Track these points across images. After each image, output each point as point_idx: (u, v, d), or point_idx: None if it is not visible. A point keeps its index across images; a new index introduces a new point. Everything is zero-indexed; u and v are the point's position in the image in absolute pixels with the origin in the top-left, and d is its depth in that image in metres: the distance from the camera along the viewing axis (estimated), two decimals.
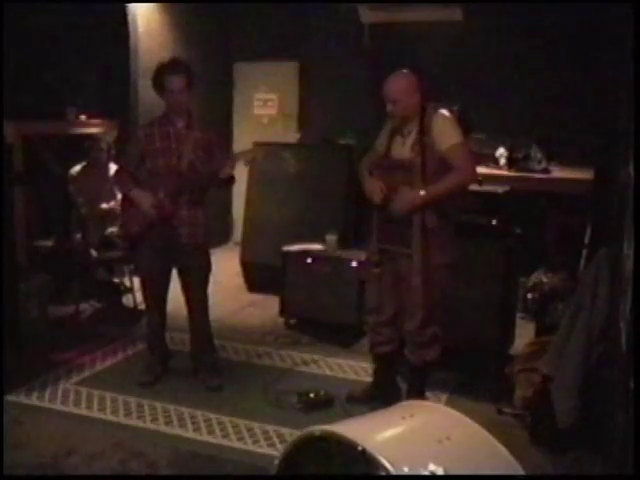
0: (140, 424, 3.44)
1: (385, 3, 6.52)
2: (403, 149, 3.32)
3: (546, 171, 5.63)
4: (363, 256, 4.22)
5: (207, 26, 7.06)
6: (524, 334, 4.38)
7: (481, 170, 5.54)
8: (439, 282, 3.33)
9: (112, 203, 5.03)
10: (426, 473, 1.67)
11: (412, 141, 3.28)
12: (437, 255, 3.28)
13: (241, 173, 4.02)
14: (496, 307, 4.01)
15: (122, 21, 6.01)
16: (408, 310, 3.40)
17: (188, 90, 3.67)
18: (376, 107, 3.73)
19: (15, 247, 4.22)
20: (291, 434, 3.14)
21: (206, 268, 3.86)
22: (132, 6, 6.09)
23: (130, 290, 5.15)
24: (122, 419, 3.49)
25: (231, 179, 3.76)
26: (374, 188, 3.33)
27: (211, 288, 3.93)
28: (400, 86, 3.29)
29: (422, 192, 3.19)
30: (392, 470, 1.63)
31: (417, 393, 3.51)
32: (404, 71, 3.35)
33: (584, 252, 4.59)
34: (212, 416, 3.51)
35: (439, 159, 3.22)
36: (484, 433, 1.86)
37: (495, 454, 1.81)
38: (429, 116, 3.27)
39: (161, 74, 3.65)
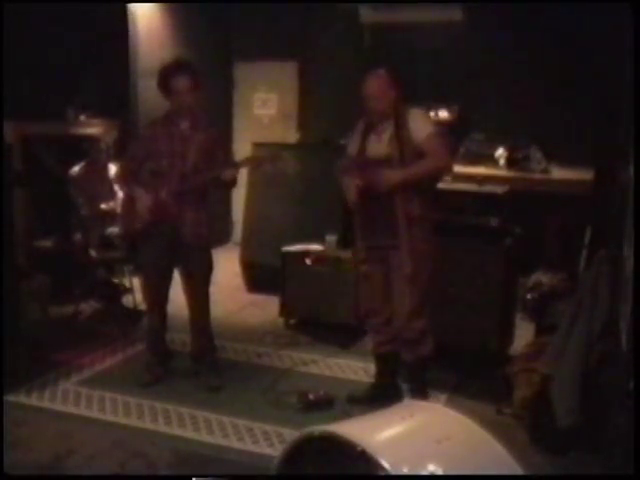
0: (140, 424, 3.44)
1: (385, 3, 6.52)
2: (380, 146, 3.42)
3: (546, 171, 5.63)
4: None
5: (207, 26, 7.06)
6: (524, 334, 4.37)
7: (481, 170, 5.56)
8: (425, 271, 3.40)
9: (112, 203, 5.03)
10: (425, 473, 1.67)
11: (388, 137, 3.39)
12: (421, 245, 3.38)
13: (241, 173, 4.02)
14: (495, 307, 4.01)
15: (122, 21, 6.01)
16: (396, 301, 3.45)
17: (194, 90, 3.66)
18: None
19: (15, 247, 4.22)
20: (291, 434, 3.13)
21: (208, 268, 3.86)
22: (132, 6, 6.09)
23: (130, 290, 5.15)
24: (122, 419, 3.49)
25: (233, 182, 3.77)
26: (350, 186, 3.41)
27: (211, 288, 3.94)
28: (381, 84, 3.43)
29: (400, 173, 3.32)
30: (391, 470, 1.63)
31: (419, 391, 3.53)
32: (380, 71, 3.48)
33: (584, 252, 4.59)
34: (212, 416, 3.51)
35: (416, 151, 3.33)
36: (484, 433, 1.85)
37: (494, 454, 1.81)
38: (403, 112, 3.41)
39: (167, 75, 3.64)
